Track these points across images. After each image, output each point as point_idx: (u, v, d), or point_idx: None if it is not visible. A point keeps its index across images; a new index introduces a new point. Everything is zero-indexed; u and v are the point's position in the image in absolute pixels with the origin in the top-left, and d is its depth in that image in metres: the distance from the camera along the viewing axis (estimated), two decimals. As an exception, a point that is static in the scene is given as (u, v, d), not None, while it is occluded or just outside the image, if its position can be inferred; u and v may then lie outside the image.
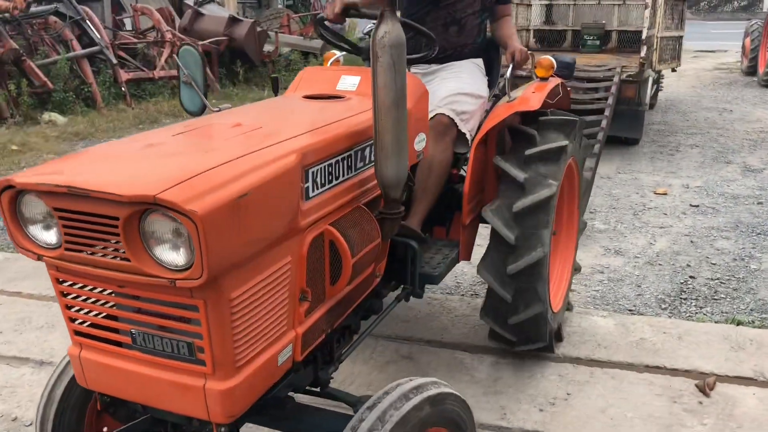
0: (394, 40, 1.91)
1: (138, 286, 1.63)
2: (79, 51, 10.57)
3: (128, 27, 13.58)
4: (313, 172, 1.94)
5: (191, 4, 14.55)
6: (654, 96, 10.48)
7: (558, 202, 3.31)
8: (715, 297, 4.10)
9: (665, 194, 6.32)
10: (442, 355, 3.33)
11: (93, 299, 1.76)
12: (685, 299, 4.07)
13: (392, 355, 3.32)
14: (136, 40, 12.22)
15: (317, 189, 1.97)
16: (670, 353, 3.33)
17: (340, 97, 2.52)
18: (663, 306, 3.97)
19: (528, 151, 2.93)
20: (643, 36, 7.20)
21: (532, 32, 11.29)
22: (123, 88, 10.90)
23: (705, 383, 3.04)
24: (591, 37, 10.40)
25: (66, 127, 9.14)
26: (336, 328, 2.26)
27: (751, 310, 3.93)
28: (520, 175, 2.88)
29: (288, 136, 1.94)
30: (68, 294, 1.76)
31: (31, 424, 2.83)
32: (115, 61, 10.90)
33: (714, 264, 4.62)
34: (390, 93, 1.92)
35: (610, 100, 6.70)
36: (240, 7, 18.50)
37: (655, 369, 3.21)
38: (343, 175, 2.11)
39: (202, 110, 2.40)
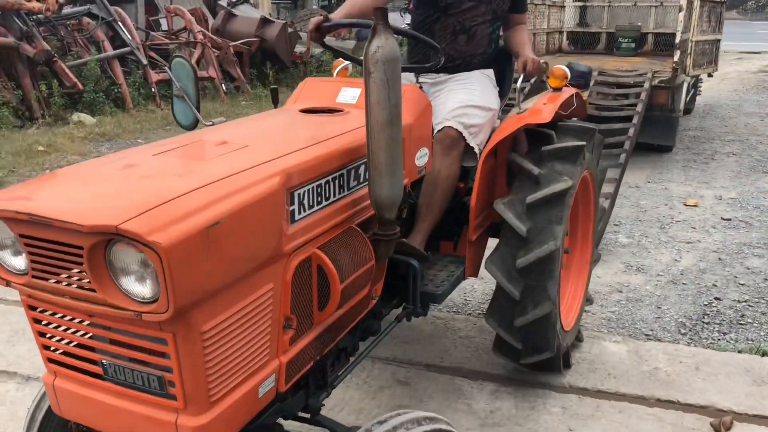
0: (388, 54, 1.83)
1: (106, 317, 1.58)
2: (110, 52, 10.66)
3: (163, 28, 13.67)
4: (299, 194, 1.85)
5: (224, 5, 14.60)
6: (691, 101, 10.13)
7: (572, 218, 3.28)
8: (741, 322, 3.86)
9: (696, 206, 6.05)
10: (440, 380, 3.18)
11: (65, 327, 1.70)
12: (707, 323, 3.83)
13: (387, 380, 3.18)
14: (168, 41, 12.28)
15: (304, 211, 1.88)
16: (684, 386, 3.12)
17: (338, 111, 2.44)
18: (683, 331, 3.74)
19: (545, 148, 2.86)
20: (677, 40, 6.91)
21: (565, 34, 11.03)
22: (153, 89, 10.96)
23: (721, 422, 2.83)
24: (626, 40, 10.09)
25: (94, 128, 9.20)
26: (327, 354, 2.16)
27: (779, 337, 3.68)
28: (535, 169, 2.81)
29: (273, 156, 1.85)
30: (41, 321, 1.71)
31: (10, 444, 2.77)
32: (145, 61, 10.96)
33: (742, 284, 4.36)
34: (384, 110, 1.85)
35: (639, 107, 6.44)
36: (274, 8, 18.53)
37: (667, 403, 3.01)
38: (334, 196, 2.02)
39: (194, 124, 2.31)
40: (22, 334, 3.62)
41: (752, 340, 3.64)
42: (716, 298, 4.15)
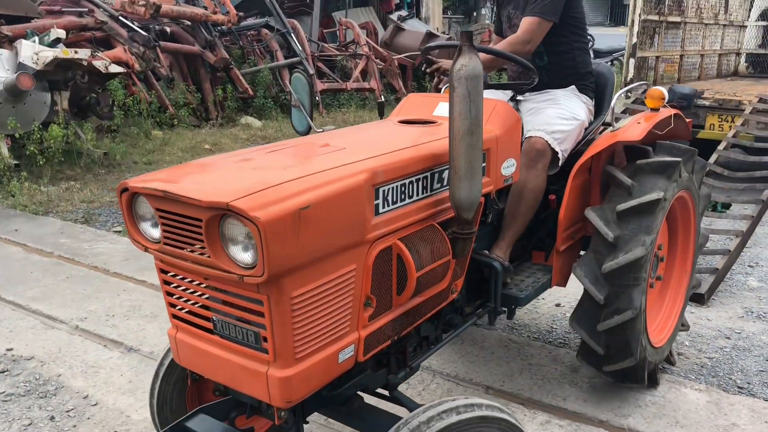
0: (470, 72, 2.03)
1: (218, 279, 1.89)
2: (281, 61, 11.49)
3: (336, 40, 14.45)
4: (384, 191, 2.10)
5: (395, 19, 15.14)
6: None
7: (670, 240, 3.36)
8: None
9: None
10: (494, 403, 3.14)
11: (185, 288, 2.06)
12: (820, 385, 3.43)
13: (441, 396, 3.21)
14: (337, 53, 12.98)
15: (388, 206, 2.13)
16: (759, 447, 2.84)
17: (433, 122, 2.66)
18: (786, 389, 3.38)
19: (639, 161, 2.94)
20: None
21: (743, 56, 10.20)
22: (317, 97, 11.65)
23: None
24: (814, 65, 9.13)
25: (257, 131, 10.00)
26: (405, 335, 2.37)
27: None
28: (627, 180, 2.89)
29: (363, 157, 2.13)
30: (169, 283, 2.08)
31: (96, 404, 3.16)
32: (312, 71, 11.68)
33: None
34: (465, 121, 2.06)
35: (799, 140, 5.82)
36: (446, 22, 18.83)
37: (732, 463, 2.76)
38: (417, 195, 2.26)
39: (308, 131, 2.70)
40: (138, 310, 4.10)
41: None
42: (842, 359, 3.69)
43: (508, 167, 2.67)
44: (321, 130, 2.62)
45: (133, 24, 9.41)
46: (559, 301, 4.33)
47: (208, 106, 10.42)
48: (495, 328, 3.93)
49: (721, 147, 6.11)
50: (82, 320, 3.94)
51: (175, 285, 2.06)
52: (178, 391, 2.51)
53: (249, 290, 1.84)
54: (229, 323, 1.95)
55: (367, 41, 12.82)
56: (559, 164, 3.04)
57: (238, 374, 1.97)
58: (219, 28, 11.00)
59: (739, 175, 5.78)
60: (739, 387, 3.39)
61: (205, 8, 10.83)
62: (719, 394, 3.27)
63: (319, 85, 11.71)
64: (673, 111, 3.26)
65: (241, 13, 11.07)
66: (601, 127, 3.27)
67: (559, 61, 3.18)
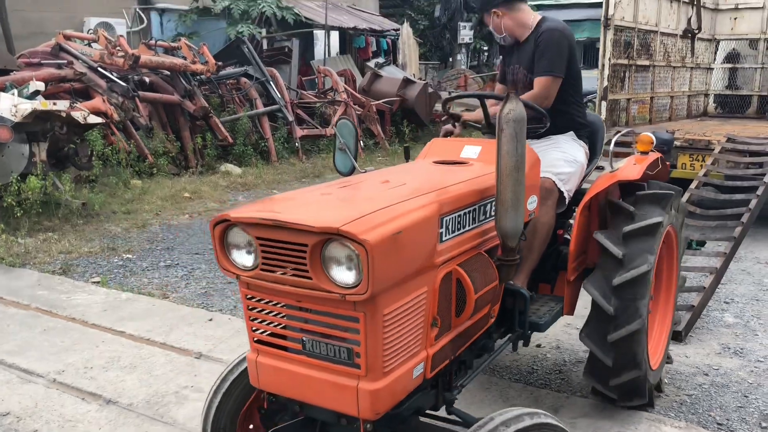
0: (517, 116, 2.31)
1: (313, 300, 2.07)
2: (260, 109, 11.61)
3: (314, 87, 14.65)
4: (446, 221, 2.35)
5: (372, 66, 15.40)
6: None
7: (658, 261, 3.47)
8: (841, 421, 3.44)
9: (830, 288, 5.46)
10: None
11: (272, 312, 2.20)
12: (798, 419, 3.46)
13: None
14: (315, 100, 13.14)
15: (449, 234, 2.38)
16: (740, 484, 2.85)
17: (464, 163, 2.94)
18: (764, 425, 3.41)
19: (639, 192, 3.29)
20: (819, 106, 6.36)
21: (711, 97, 10.49)
22: (297, 144, 11.75)
23: None
24: (779, 104, 9.40)
25: (237, 178, 10.03)
26: (456, 357, 2.57)
27: None
28: (631, 207, 3.22)
29: (427, 190, 2.39)
30: (254, 308, 2.23)
31: (73, 458, 3.10)
32: (291, 118, 11.81)
33: None
34: (512, 158, 2.32)
35: (767, 177, 5.96)
36: (422, 68, 19.19)
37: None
38: (469, 225, 2.53)
39: (351, 171, 2.97)
40: (116, 361, 4.05)
41: None
42: (819, 393, 3.74)
43: (532, 203, 2.94)
44: (364, 170, 2.89)
45: (112, 75, 9.49)
46: (540, 342, 4.35)
47: (187, 154, 10.46)
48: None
49: (693, 186, 6.24)
50: (60, 373, 3.89)
51: (260, 310, 2.22)
52: (230, 421, 2.60)
53: (346, 309, 2.02)
54: (320, 342, 2.11)
55: (345, 88, 13.01)
56: (566, 203, 3.42)
57: (326, 391, 2.11)
58: (198, 77, 11.11)
59: (711, 213, 5.90)
60: (718, 423, 3.42)
61: (184, 58, 10.96)
62: (698, 431, 3.29)
63: (299, 132, 11.82)
64: (658, 155, 3.61)
65: (219, 63, 11.21)
66: (595, 170, 3.62)
67: (560, 111, 3.46)
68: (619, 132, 4.02)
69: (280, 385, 2.23)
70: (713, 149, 6.80)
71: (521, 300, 2.96)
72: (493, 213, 2.59)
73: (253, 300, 2.21)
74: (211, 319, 4.71)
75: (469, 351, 2.73)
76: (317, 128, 12.31)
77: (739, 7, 9.80)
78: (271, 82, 11.99)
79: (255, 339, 2.24)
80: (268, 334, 2.22)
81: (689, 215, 5.92)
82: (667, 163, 3.81)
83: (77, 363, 4.02)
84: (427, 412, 2.57)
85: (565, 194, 3.37)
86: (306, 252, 1.98)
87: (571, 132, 3.57)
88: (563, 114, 3.50)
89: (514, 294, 2.95)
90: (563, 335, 4.50)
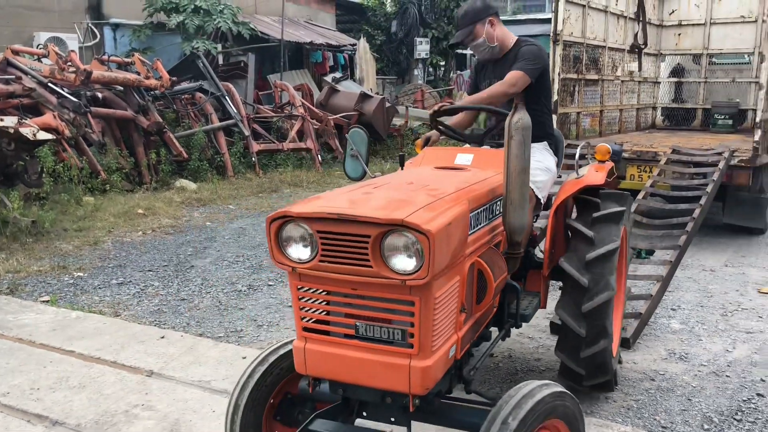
0: (525, 124, 2.56)
1: (371, 287, 2.25)
2: (215, 124, 11.54)
3: (272, 102, 14.61)
4: (471, 217, 2.56)
5: (330, 80, 15.44)
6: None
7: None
8: (779, 421, 3.57)
9: (771, 294, 5.66)
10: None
11: (324, 301, 2.39)
12: (738, 421, 3.57)
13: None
14: (272, 114, 13.11)
15: (472, 229, 2.60)
16: (683, 485, 2.93)
17: (461, 169, 3.16)
18: (706, 426, 3.51)
19: (595, 214, 3.61)
20: (757, 119, 6.62)
21: (659, 110, 10.80)
22: (254, 159, 11.70)
23: None
24: (722, 116, 9.77)
25: (192, 194, 9.93)
26: (474, 341, 2.81)
27: (818, 442, 3.37)
28: (589, 232, 3.53)
29: (454, 190, 2.63)
30: (303, 298, 2.40)
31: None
32: (247, 133, 11.76)
33: (795, 381, 4.03)
34: (520, 161, 2.57)
35: (710, 188, 6.17)
36: (380, 83, 19.31)
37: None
38: (485, 221, 2.79)
39: (362, 176, 3.15)
40: (65, 381, 3.96)
41: (783, 443, 3.36)
42: (759, 394, 3.86)
43: None
44: (374, 175, 3.05)
45: (63, 90, 9.33)
46: (493, 351, 4.41)
47: (141, 170, 10.33)
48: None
49: (640, 196, 6.41)
50: (5, 395, 3.79)
51: (311, 300, 2.40)
52: (255, 416, 2.71)
53: (403, 293, 2.22)
54: (374, 326, 2.29)
55: (302, 102, 13.02)
56: (541, 208, 3.72)
57: (378, 371, 2.28)
58: (152, 92, 11.01)
59: (657, 223, 6.06)
60: (663, 427, 3.51)
61: (138, 73, 10.85)
62: (644, 434, 3.37)
63: (255, 147, 11.77)
64: (611, 164, 3.95)
65: (174, 78, 11.13)
66: (578, 174, 3.86)
67: (534, 123, 3.49)
68: (582, 144, 4.49)
69: (328, 370, 2.38)
70: (660, 161, 7.00)
71: (513, 293, 3.16)
72: (499, 212, 2.91)
73: (305, 290, 2.38)
74: (163, 337, 4.65)
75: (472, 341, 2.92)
76: (274, 143, 12.28)
77: (683, 23, 10.14)
78: (226, 97, 11.93)
79: (304, 327, 2.39)
80: (315, 322, 2.39)
81: (637, 225, 6.09)
82: (615, 173, 4.08)
83: (23, 384, 3.93)
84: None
85: (541, 200, 3.66)
86: (368, 243, 2.16)
87: (545, 142, 3.80)
88: (538, 125, 3.64)
89: (506, 287, 3.11)
90: (515, 345, 4.57)
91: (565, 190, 3.69)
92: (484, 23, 3.66)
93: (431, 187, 2.63)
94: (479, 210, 2.69)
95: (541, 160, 3.70)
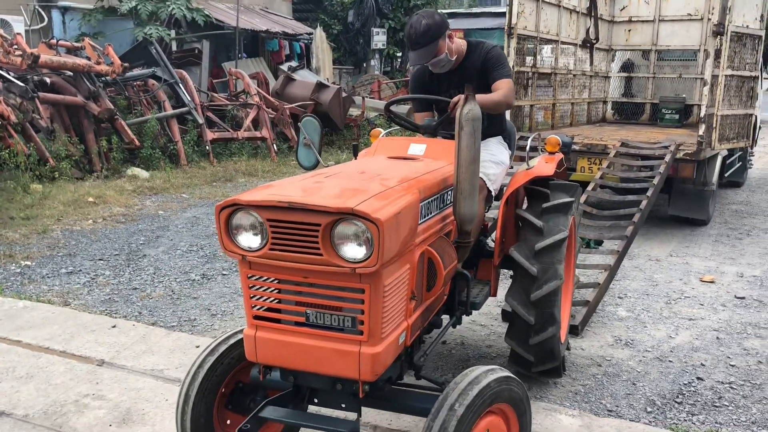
0: (475, 115, 2.60)
1: (321, 275, 2.27)
2: (168, 111, 11.35)
3: (226, 90, 14.43)
4: (422, 206, 2.60)
5: (286, 69, 15.33)
6: (738, 174, 9.85)
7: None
8: (717, 404, 3.73)
9: (712, 282, 5.87)
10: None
11: (274, 289, 2.39)
12: (679, 403, 3.72)
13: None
14: (227, 102, 12.96)
15: (423, 218, 2.64)
16: (626, 464, 3.05)
17: (414, 159, 3.19)
18: (649, 409, 3.65)
19: (544, 205, 3.67)
20: (702, 114, 6.84)
21: (609, 104, 11.04)
22: (207, 147, 11.55)
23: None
24: (669, 111, 10.05)
25: (144, 182, 9.77)
26: (424, 328, 2.86)
27: (752, 423, 3.54)
28: (539, 222, 3.60)
29: (406, 179, 2.66)
30: (254, 287, 2.40)
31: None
32: (201, 121, 11.60)
33: (733, 366, 4.21)
34: (470, 152, 2.61)
35: (656, 180, 6.36)
36: (336, 73, 19.25)
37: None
38: (436, 210, 2.83)
39: (315, 166, 3.13)
40: (11, 371, 3.89)
41: (720, 424, 3.51)
42: (698, 378, 4.03)
43: None
44: (327, 164, 3.07)
45: (9, 74, 9.06)
46: (445, 338, 4.48)
47: (92, 157, 10.10)
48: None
49: (590, 188, 6.57)
50: (-51, 386, 3.71)
51: (261, 288, 2.40)
52: (206, 406, 2.71)
53: (353, 281, 2.24)
54: (324, 314, 2.32)
55: (258, 91, 12.89)
56: (493, 200, 3.77)
57: (328, 358, 2.31)
58: (103, 78, 10.77)
59: (606, 214, 6.23)
60: (608, 410, 3.63)
61: (88, 59, 10.60)
62: (590, 418, 3.49)
63: (209, 135, 11.62)
64: (561, 155, 4.04)
65: (126, 64, 10.90)
66: (528, 165, 3.91)
67: (490, 121, 3.71)
68: (534, 135, 4.62)
69: (279, 357, 2.40)
70: (609, 153, 7.18)
71: (463, 281, 3.21)
72: (450, 201, 2.94)
73: (255, 279, 2.38)
74: (114, 326, 4.59)
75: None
76: (229, 131, 12.14)
77: (633, 20, 10.38)
78: (180, 84, 11.75)
79: (254, 315, 2.40)
80: (266, 310, 2.40)
81: (587, 216, 6.25)
82: (564, 165, 4.19)
83: (-31, 375, 3.84)
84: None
85: (492, 192, 3.68)
86: (319, 231, 2.18)
87: (500, 136, 3.87)
88: (494, 119, 3.78)
89: (456, 276, 3.15)
90: (467, 332, 4.65)
91: (515, 180, 3.75)
92: (445, 38, 3.53)
93: (383, 177, 2.66)
94: (430, 199, 2.72)
95: (495, 153, 3.75)
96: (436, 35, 3.45)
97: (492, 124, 3.77)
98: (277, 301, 2.40)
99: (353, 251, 2.20)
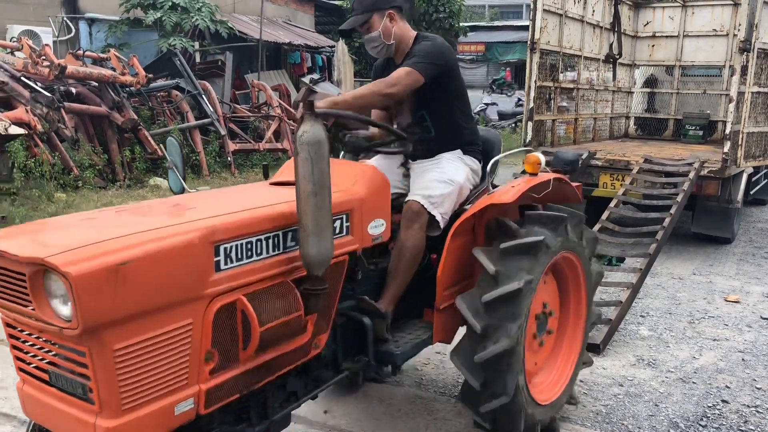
0: (311, 138, 2.18)
1: (47, 332, 1.99)
2: (191, 122, 11.46)
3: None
4: (225, 248, 2.17)
5: (307, 81, 15.39)
6: (764, 192, 9.70)
7: (562, 297, 3.45)
8: (742, 428, 3.65)
9: (737, 302, 5.78)
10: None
11: (27, 342, 2.13)
12: (704, 426, 3.65)
13: (347, 454, 3.22)
14: (249, 114, 13.05)
15: (231, 263, 2.19)
16: (649, 489, 2.99)
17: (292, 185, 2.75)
18: (673, 431, 3.58)
19: (503, 245, 2.98)
20: (727, 131, 6.77)
21: (632, 119, 10.97)
22: (229, 158, 11.64)
23: None
24: (693, 127, 9.95)
25: (166, 192, 9.85)
26: (262, 390, 2.42)
27: (779, 448, 3.46)
28: (491, 267, 2.92)
29: (205, 216, 2.21)
30: (14, 336, 2.15)
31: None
32: (223, 132, 11.69)
33: (759, 389, 4.13)
34: (309, 183, 2.19)
35: (680, 197, 6.28)
36: (358, 86, 19.30)
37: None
38: (267, 252, 2.33)
39: (181, 191, 2.86)
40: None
41: (746, 449, 3.44)
42: (723, 401, 3.95)
43: (376, 227, 2.80)
44: (194, 190, 2.74)
45: (37, 85, 9.20)
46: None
47: (114, 167, 10.22)
48: (402, 385, 3.99)
49: (612, 204, 6.51)
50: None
51: (17, 338, 2.14)
52: None
53: (72, 342, 1.92)
54: (60, 375, 2.03)
55: (279, 103, 12.98)
56: (441, 226, 3.13)
57: (71, 424, 2.03)
58: (127, 89, 10.90)
59: (628, 231, 6.16)
60: (630, 431, 3.57)
61: (114, 69, 10.74)
62: (612, 439, 3.43)
63: (231, 146, 11.71)
64: (552, 175, 3.35)
65: (150, 75, 11.03)
66: (490, 189, 3.37)
67: (445, 129, 3.32)
68: (507, 152, 3.78)
69: (40, 416, 2.19)
70: (632, 169, 7.11)
71: (365, 328, 2.81)
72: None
73: (13, 328, 2.14)
74: None
75: (300, 382, 2.65)
76: (250, 142, 12.22)
77: (656, 35, 10.32)
78: (203, 96, 11.86)
79: (19, 368, 2.18)
80: (27, 364, 2.16)
81: (609, 233, 6.18)
82: (576, 184, 3.67)
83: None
84: None
85: (438, 217, 3.11)
86: (26, 281, 1.90)
87: (458, 150, 3.34)
88: (450, 131, 3.33)
89: (359, 321, 2.82)
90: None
91: (472, 207, 3.14)
92: (383, 15, 3.16)
93: (183, 212, 2.32)
94: (251, 239, 2.27)
95: (446, 170, 3.23)
96: (372, 7, 3.16)
97: (448, 136, 3.31)
98: (30, 354, 2.15)
99: (61, 309, 1.89)
